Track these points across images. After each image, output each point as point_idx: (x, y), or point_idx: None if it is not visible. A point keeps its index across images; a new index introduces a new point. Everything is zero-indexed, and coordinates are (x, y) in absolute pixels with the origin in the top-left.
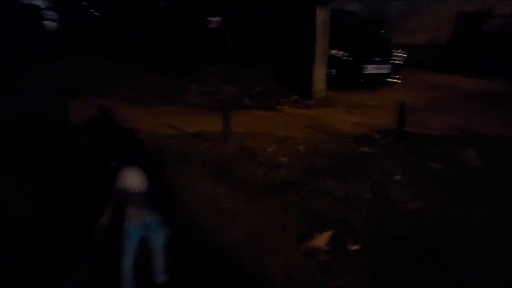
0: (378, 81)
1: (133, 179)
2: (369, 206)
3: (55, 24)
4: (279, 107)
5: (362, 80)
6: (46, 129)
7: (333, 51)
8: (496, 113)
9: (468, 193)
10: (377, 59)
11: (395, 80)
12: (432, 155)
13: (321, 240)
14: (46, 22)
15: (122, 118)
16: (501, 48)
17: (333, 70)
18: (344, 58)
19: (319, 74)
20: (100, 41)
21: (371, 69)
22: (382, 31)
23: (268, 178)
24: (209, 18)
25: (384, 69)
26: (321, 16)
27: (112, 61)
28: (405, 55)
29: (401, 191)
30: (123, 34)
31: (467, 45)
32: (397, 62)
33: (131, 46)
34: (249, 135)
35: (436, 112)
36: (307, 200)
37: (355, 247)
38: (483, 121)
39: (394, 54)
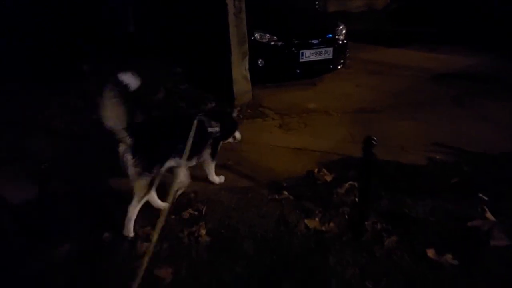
0: (319, 70)
1: None
2: None
3: None
4: None
5: (298, 71)
6: None
7: (257, 35)
8: (480, 106)
9: None
10: (315, 41)
11: (339, 67)
12: (427, 227)
13: None
14: None
15: None
16: (445, 13)
17: (260, 60)
18: (273, 43)
19: (240, 70)
20: None
21: (308, 55)
22: (317, 1)
23: None
24: None
25: (325, 54)
26: None
27: None
28: (345, 31)
29: None
30: None
31: (406, 11)
32: (340, 42)
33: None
34: None
35: (401, 114)
36: None
37: None
38: (469, 125)
39: (337, 31)
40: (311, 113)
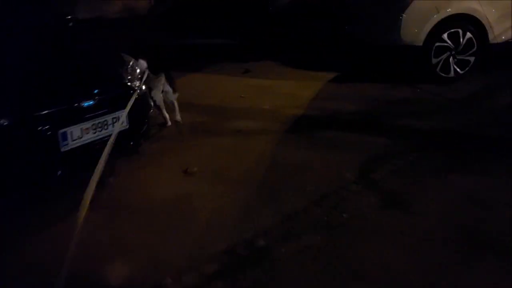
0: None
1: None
2: None
3: None
4: None
5: (60, 172)
6: None
7: None
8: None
9: None
10: (90, 103)
11: (143, 140)
12: None
13: None
14: None
15: None
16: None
17: None
18: None
19: None
20: None
21: (80, 135)
22: (70, 16)
23: None
24: None
25: (114, 123)
26: None
27: None
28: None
29: None
30: None
31: (179, 14)
32: (140, 92)
33: None
34: None
35: (309, 257)
36: None
37: None
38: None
39: (129, 74)
40: None
